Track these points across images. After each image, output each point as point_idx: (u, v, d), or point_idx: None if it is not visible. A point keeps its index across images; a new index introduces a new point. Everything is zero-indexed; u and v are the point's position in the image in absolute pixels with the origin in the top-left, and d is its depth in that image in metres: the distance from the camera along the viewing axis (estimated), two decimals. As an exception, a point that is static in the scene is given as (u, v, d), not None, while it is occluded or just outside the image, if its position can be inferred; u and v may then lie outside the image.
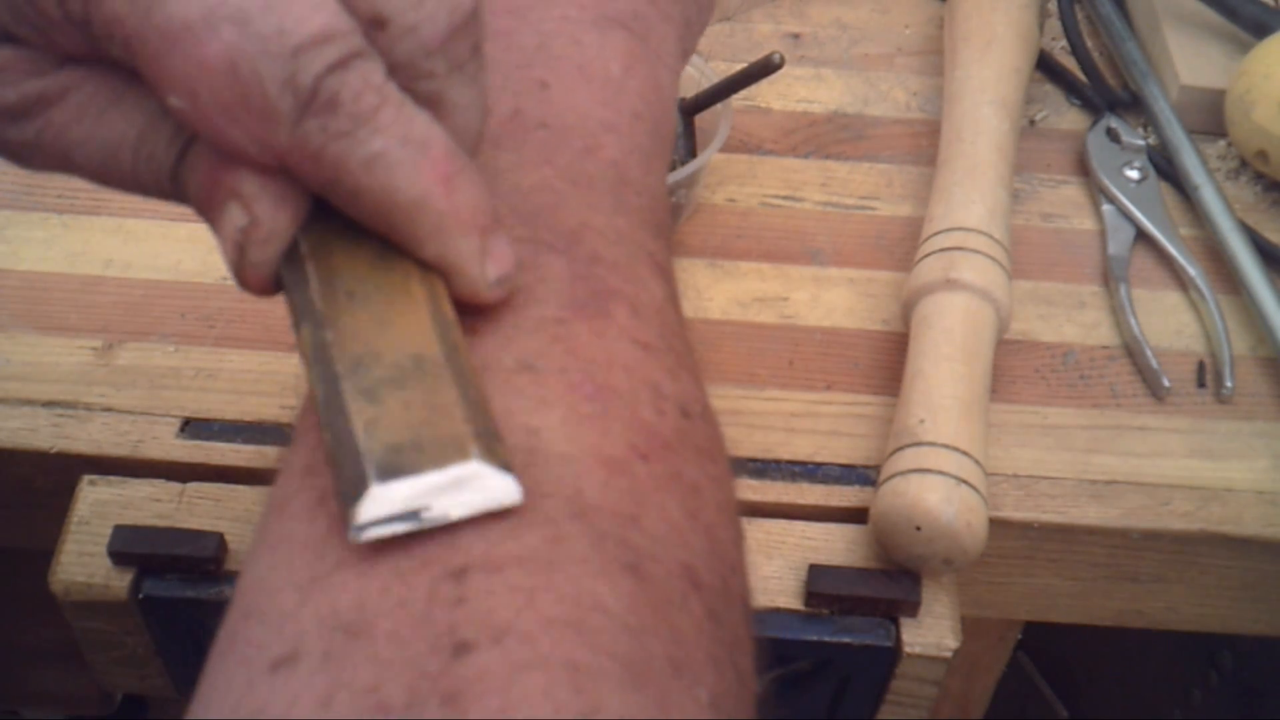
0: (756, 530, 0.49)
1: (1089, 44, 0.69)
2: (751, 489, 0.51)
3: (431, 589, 0.22)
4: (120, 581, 0.47)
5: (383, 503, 0.22)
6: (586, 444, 0.25)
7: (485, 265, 0.27)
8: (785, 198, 0.62)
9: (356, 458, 0.23)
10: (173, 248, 0.58)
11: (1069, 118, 0.67)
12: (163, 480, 0.49)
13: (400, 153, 0.25)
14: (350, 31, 0.25)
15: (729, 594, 0.26)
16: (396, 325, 0.25)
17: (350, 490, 0.23)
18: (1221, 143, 0.65)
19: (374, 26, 0.25)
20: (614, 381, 0.27)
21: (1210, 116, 0.64)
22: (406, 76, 0.26)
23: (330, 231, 0.27)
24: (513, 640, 0.21)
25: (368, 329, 0.25)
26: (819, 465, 0.52)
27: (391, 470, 0.23)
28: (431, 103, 0.27)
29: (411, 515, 0.23)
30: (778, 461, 0.52)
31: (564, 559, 0.23)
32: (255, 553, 0.25)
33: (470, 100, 0.27)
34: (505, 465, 0.23)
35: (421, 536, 0.23)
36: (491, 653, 0.21)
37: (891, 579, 0.48)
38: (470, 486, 0.23)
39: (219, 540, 0.46)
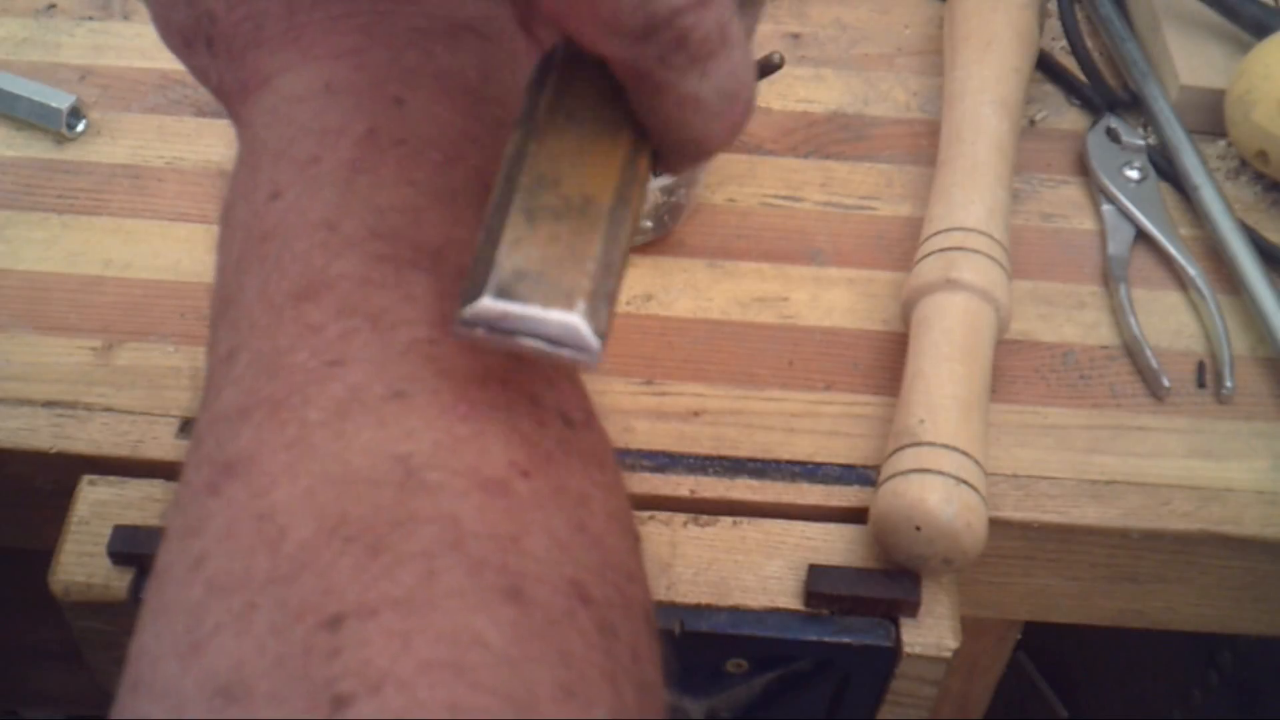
0: (756, 530, 0.49)
1: (1089, 44, 0.69)
2: (751, 489, 0.51)
3: (307, 642, 0.22)
4: (120, 581, 0.47)
5: (486, 313, 0.24)
6: (462, 467, 0.25)
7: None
8: (785, 198, 0.62)
9: (488, 266, 0.24)
10: (173, 248, 0.58)
11: (1069, 118, 0.67)
12: (163, 480, 0.49)
13: (715, 102, 0.26)
14: None
15: (626, 604, 0.26)
16: (589, 161, 0.26)
17: (469, 291, 0.24)
18: (1221, 143, 0.64)
19: None
20: (489, 398, 0.26)
21: (1210, 116, 0.64)
22: None
23: (586, 56, 0.28)
24: (390, 689, 0.21)
25: (565, 154, 0.26)
26: (819, 465, 0.52)
27: (506, 291, 0.24)
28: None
29: (506, 333, 0.24)
30: (778, 461, 0.52)
31: (439, 595, 0.23)
32: (140, 623, 0.25)
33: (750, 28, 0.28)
34: (599, 331, 0.24)
35: (299, 582, 0.23)
36: (370, 703, 0.21)
37: (891, 579, 0.48)
38: (561, 335, 0.24)
39: (219, 540, 0.46)
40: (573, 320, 0.24)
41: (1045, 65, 0.68)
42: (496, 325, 0.24)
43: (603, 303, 0.25)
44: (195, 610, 0.23)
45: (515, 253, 0.25)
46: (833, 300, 0.58)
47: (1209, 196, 0.61)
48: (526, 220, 0.25)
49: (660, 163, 0.28)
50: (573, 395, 0.29)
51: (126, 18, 0.69)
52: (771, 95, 0.67)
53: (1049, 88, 0.68)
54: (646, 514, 0.50)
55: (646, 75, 0.26)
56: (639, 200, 0.27)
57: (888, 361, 0.55)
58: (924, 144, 0.64)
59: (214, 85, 0.34)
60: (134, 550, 0.47)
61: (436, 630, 0.22)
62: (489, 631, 0.22)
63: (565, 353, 0.24)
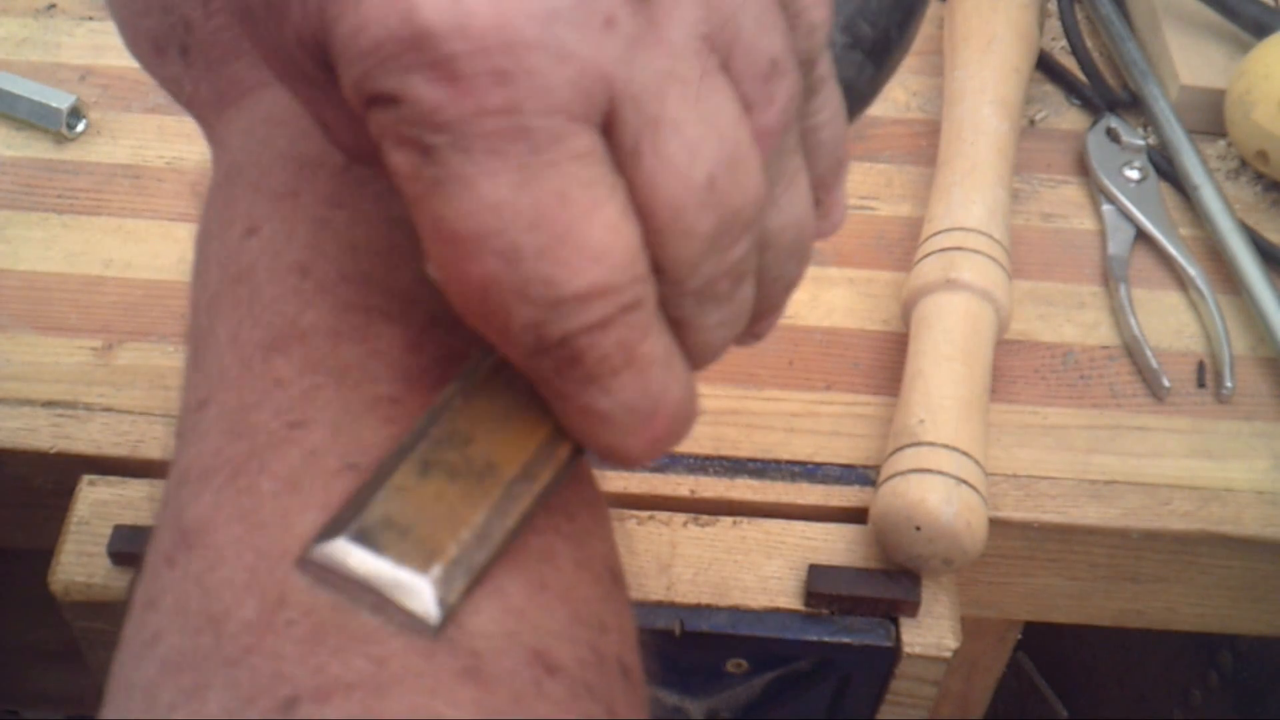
0: (756, 530, 0.49)
1: (1089, 44, 0.69)
2: (751, 489, 0.51)
3: None
4: (120, 581, 0.47)
5: (335, 555, 0.23)
6: None
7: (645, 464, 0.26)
8: (785, 198, 0.62)
9: (360, 507, 0.23)
10: (173, 248, 0.58)
11: (1069, 118, 0.67)
12: (163, 480, 0.49)
13: (621, 417, 0.24)
14: (629, 281, 0.23)
15: (599, 660, 0.25)
16: (508, 431, 0.25)
17: (331, 526, 0.23)
18: (1221, 143, 0.65)
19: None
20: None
21: (1210, 116, 0.64)
22: (661, 301, 0.24)
23: None
24: None
25: (487, 418, 0.25)
26: (819, 465, 0.52)
27: (366, 536, 0.23)
28: (676, 323, 0.25)
29: (351, 578, 0.23)
30: (778, 461, 0.52)
31: (394, 678, 0.22)
32: (104, 701, 0.24)
33: (718, 320, 0.25)
34: (444, 601, 0.23)
35: (248, 664, 0.22)
36: None
37: (891, 579, 0.48)
38: (403, 595, 0.23)
39: (219, 540, 0.46)
40: (421, 583, 0.23)
41: (1045, 65, 0.68)
42: (342, 569, 0.23)
43: (462, 575, 0.23)
44: (150, 689, 0.23)
45: (393, 500, 0.24)
46: (833, 300, 0.58)
47: (1209, 196, 0.61)
48: (419, 471, 0.24)
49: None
50: None
51: (126, 18, 0.69)
52: (771, 95, 0.67)
53: (1049, 88, 0.68)
54: (646, 514, 0.50)
55: (544, 384, 0.24)
56: (550, 483, 0.25)
57: (888, 361, 0.55)
58: (924, 144, 0.64)
59: (186, 96, 0.33)
60: (134, 550, 0.47)
61: (394, 715, 0.21)
62: (449, 714, 0.22)
63: (402, 616, 0.23)
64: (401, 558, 0.23)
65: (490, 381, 0.26)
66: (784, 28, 0.25)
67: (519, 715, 0.23)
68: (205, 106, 0.32)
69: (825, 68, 0.27)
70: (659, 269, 0.24)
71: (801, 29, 0.25)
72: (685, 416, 0.25)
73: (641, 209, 0.23)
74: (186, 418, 0.28)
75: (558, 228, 0.22)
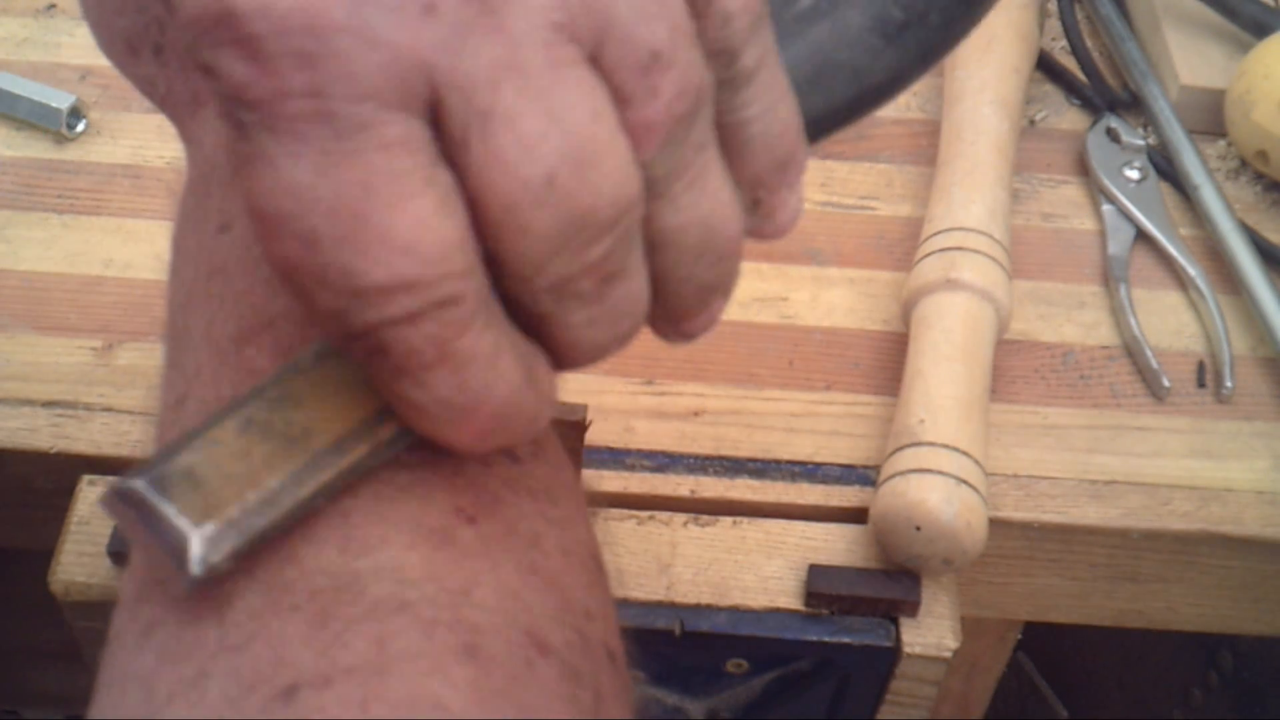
0: (756, 530, 0.49)
1: (1089, 44, 0.69)
2: (751, 489, 0.51)
3: (263, 713, 0.21)
4: (120, 581, 0.47)
5: (132, 494, 0.23)
6: (403, 519, 0.24)
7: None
8: (785, 198, 0.62)
9: (173, 452, 0.24)
10: (173, 248, 0.58)
11: (1069, 118, 0.67)
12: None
13: (436, 411, 0.23)
14: (440, 277, 0.22)
15: (586, 645, 0.25)
16: (336, 402, 0.25)
17: (140, 466, 0.24)
18: (1221, 143, 0.64)
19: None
20: (430, 442, 0.25)
21: (1210, 116, 0.64)
22: (514, 296, 0.24)
23: None
24: None
25: (321, 386, 0.25)
26: (819, 465, 0.52)
27: (161, 483, 0.23)
28: (535, 320, 0.24)
29: (140, 519, 0.23)
30: (778, 461, 0.52)
31: (393, 660, 0.22)
32: (96, 693, 0.24)
33: (586, 319, 0.24)
34: (209, 560, 0.23)
35: (250, 651, 0.22)
36: None
37: (891, 579, 0.48)
38: (173, 544, 0.23)
39: (219, 540, 0.47)
40: (189, 536, 0.23)
41: (1045, 65, 0.68)
42: (133, 509, 0.23)
43: (236, 536, 0.23)
44: (148, 680, 0.23)
45: (200, 452, 0.24)
46: (833, 300, 0.58)
47: (1209, 196, 0.61)
48: (239, 428, 0.24)
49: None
50: None
51: (126, 18, 0.69)
52: (771, 95, 0.67)
53: (1049, 88, 0.68)
54: (646, 514, 0.50)
55: (363, 364, 0.24)
56: (362, 460, 0.25)
57: (888, 361, 0.55)
58: (924, 144, 0.64)
59: (160, 96, 0.33)
60: (134, 550, 0.47)
61: (393, 697, 0.22)
62: (447, 695, 0.22)
63: (172, 563, 0.23)
64: (183, 509, 0.23)
65: (336, 353, 0.25)
66: (672, 17, 0.23)
67: (512, 696, 0.23)
68: (179, 106, 0.32)
69: (754, 58, 0.25)
70: (501, 263, 0.23)
71: (714, 18, 0.24)
72: (519, 414, 0.24)
73: (473, 203, 0.22)
74: (165, 415, 0.28)
75: (358, 217, 0.21)
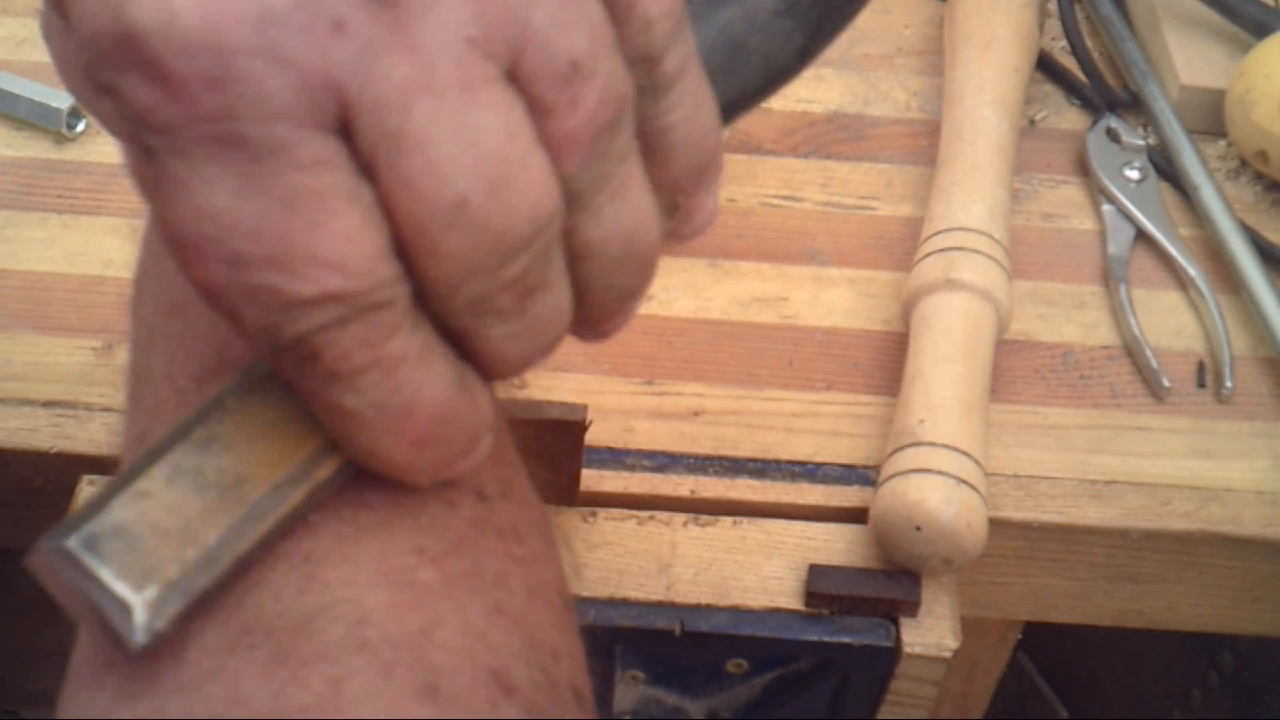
0: (756, 530, 0.49)
1: (1089, 44, 0.69)
2: (751, 489, 0.51)
3: None
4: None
5: (59, 556, 0.22)
6: (365, 561, 0.24)
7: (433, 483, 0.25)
8: (785, 198, 0.62)
9: (97, 509, 0.23)
10: (173, 248, 0.58)
11: (1069, 118, 0.67)
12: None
13: (371, 415, 0.23)
14: (370, 286, 0.22)
15: (552, 685, 0.25)
16: (270, 445, 0.24)
17: (66, 524, 0.23)
18: (1221, 143, 0.64)
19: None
20: (395, 482, 0.24)
21: (1210, 116, 0.64)
22: (434, 311, 0.23)
23: None
24: None
25: (251, 428, 0.24)
26: (819, 465, 0.52)
27: (92, 543, 0.22)
28: (457, 335, 0.24)
29: (72, 580, 0.22)
30: (778, 461, 0.52)
31: (350, 700, 0.22)
32: None
33: (505, 334, 0.24)
34: (153, 626, 0.22)
35: (205, 691, 0.22)
36: None
37: (891, 579, 0.48)
38: (114, 611, 0.22)
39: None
40: (132, 604, 0.22)
41: (1045, 65, 0.68)
42: (66, 570, 0.22)
43: (177, 599, 0.22)
44: (106, 714, 0.23)
45: (131, 506, 0.23)
46: (833, 300, 0.58)
47: (1209, 196, 0.61)
48: (167, 477, 0.23)
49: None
50: (489, 468, 0.27)
51: (126, 18, 0.69)
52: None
53: (1049, 88, 0.68)
54: (646, 514, 0.50)
55: (293, 382, 0.23)
56: (301, 503, 0.24)
57: (888, 361, 0.55)
58: (924, 144, 0.64)
59: (125, 132, 0.33)
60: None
61: None
62: None
63: (115, 629, 0.22)
64: (120, 572, 0.22)
65: (259, 391, 0.24)
66: (592, 26, 0.23)
67: None
68: None
69: (676, 64, 0.25)
70: (418, 280, 0.23)
71: (634, 24, 0.24)
72: (455, 420, 0.24)
73: (389, 218, 0.22)
74: (127, 453, 0.27)
75: (283, 238, 0.21)
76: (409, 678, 0.22)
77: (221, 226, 0.21)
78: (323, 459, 0.24)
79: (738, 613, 0.47)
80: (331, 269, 0.21)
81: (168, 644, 0.23)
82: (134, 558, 0.22)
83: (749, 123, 0.66)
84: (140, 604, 0.22)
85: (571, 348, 0.28)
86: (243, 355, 0.26)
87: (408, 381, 0.23)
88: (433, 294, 0.23)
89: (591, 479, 0.50)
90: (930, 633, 0.47)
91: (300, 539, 0.24)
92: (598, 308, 0.26)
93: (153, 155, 0.21)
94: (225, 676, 0.22)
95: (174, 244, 0.22)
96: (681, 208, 0.27)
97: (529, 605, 0.26)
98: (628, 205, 0.25)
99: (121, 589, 0.22)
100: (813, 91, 0.67)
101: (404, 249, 0.22)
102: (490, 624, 0.24)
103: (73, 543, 0.22)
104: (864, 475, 0.51)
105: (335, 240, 0.21)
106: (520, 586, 0.26)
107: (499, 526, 0.26)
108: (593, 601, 0.47)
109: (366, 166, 0.22)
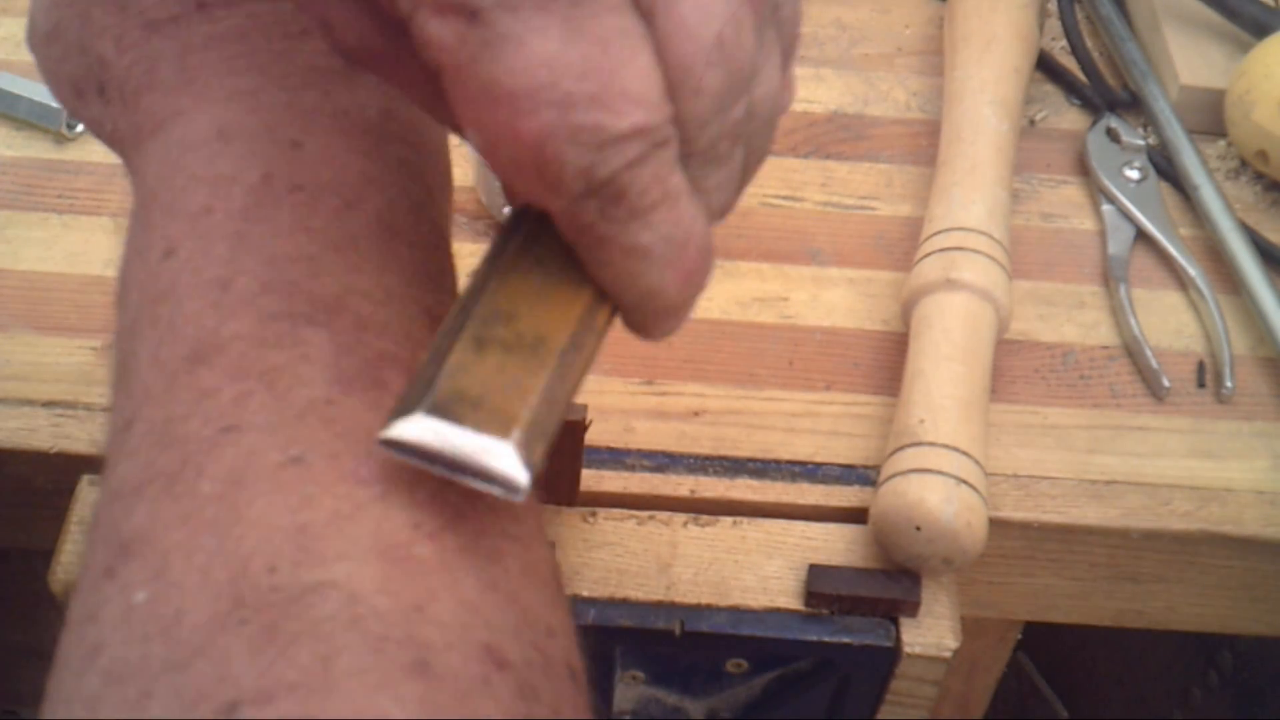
0: (756, 530, 0.49)
1: (1089, 44, 0.69)
2: (751, 489, 0.51)
3: None
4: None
5: (416, 431, 0.24)
6: (361, 535, 0.24)
7: (670, 327, 0.28)
8: (785, 198, 0.62)
9: (428, 384, 0.24)
10: (173, 248, 0.58)
11: (1069, 118, 0.67)
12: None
13: (660, 250, 0.26)
14: (662, 122, 0.25)
15: (546, 662, 0.25)
16: (549, 305, 0.26)
17: (403, 405, 0.24)
18: (1221, 143, 0.65)
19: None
20: (391, 457, 0.25)
21: (1210, 116, 0.64)
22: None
23: None
24: None
25: (526, 295, 0.26)
26: (819, 465, 0.52)
27: (442, 409, 0.24)
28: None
29: (435, 453, 0.24)
30: (778, 461, 0.52)
31: (339, 676, 0.22)
32: (42, 714, 0.24)
33: (717, 183, 0.27)
34: (529, 463, 0.24)
35: (193, 669, 0.22)
36: None
37: (891, 579, 0.48)
38: (492, 462, 0.24)
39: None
40: (505, 448, 0.24)
41: (1045, 65, 0.68)
42: (426, 444, 0.24)
43: (539, 438, 0.24)
44: (92, 704, 0.23)
45: (458, 376, 0.24)
46: (833, 300, 0.58)
47: (1209, 196, 0.61)
48: (475, 348, 0.25)
49: (626, 321, 0.28)
50: None
51: (126, 18, 0.69)
52: (771, 95, 0.67)
53: (1049, 88, 0.68)
54: (646, 514, 0.50)
55: (589, 229, 0.26)
56: (593, 351, 0.27)
57: (888, 361, 0.55)
58: (924, 144, 0.64)
59: (108, 134, 0.33)
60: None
61: (337, 714, 0.21)
62: (394, 711, 0.22)
63: (494, 485, 0.24)
64: (480, 426, 0.24)
65: (517, 262, 0.27)
66: None
67: (465, 713, 0.22)
68: (124, 142, 0.32)
69: None
70: (675, 119, 0.25)
71: None
72: (709, 250, 0.27)
73: (659, 58, 0.24)
74: (113, 440, 0.27)
75: (604, 75, 0.24)
76: (399, 653, 0.22)
77: (555, 70, 0.23)
78: (596, 310, 0.27)
79: (738, 613, 0.47)
80: (640, 104, 0.24)
81: (159, 625, 0.23)
82: (485, 413, 0.24)
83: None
84: (513, 447, 0.24)
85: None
86: (240, 334, 0.27)
87: (686, 214, 0.26)
88: (682, 138, 0.25)
89: (591, 479, 0.50)
90: (930, 633, 0.47)
91: (296, 512, 0.24)
92: (744, 172, 0.29)
93: (480, 16, 0.23)
94: (214, 654, 0.22)
95: (504, 100, 0.24)
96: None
97: (524, 583, 0.26)
98: (775, 69, 0.28)
99: (489, 441, 0.24)
100: (813, 91, 0.67)
101: (670, 90, 0.25)
102: (484, 600, 0.25)
103: (421, 415, 0.24)
104: (864, 475, 0.51)
105: (641, 77, 0.24)
106: (515, 564, 0.26)
107: (494, 504, 0.26)
108: (593, 601, 0.47)
109: (644, 14, 0.24)
